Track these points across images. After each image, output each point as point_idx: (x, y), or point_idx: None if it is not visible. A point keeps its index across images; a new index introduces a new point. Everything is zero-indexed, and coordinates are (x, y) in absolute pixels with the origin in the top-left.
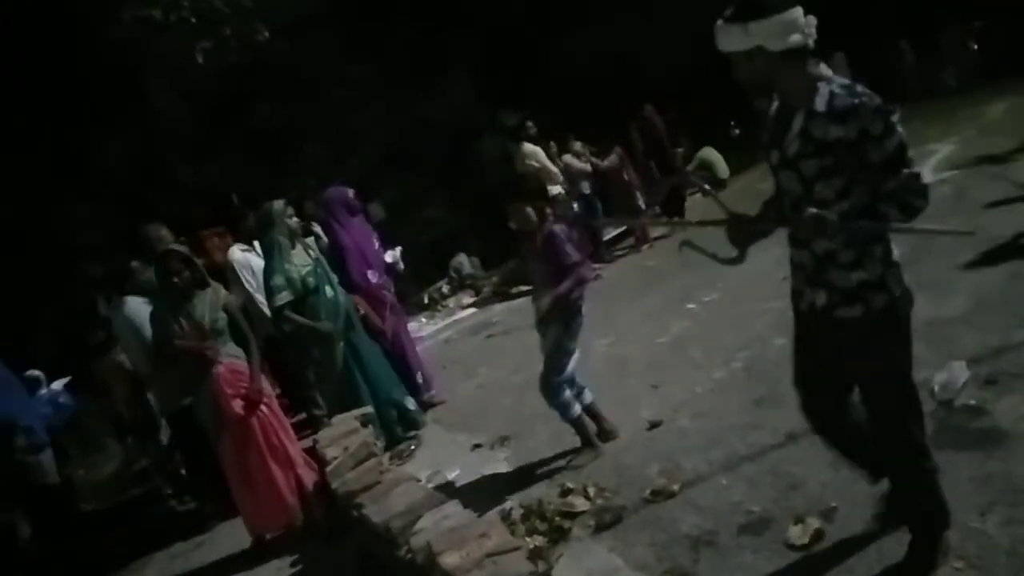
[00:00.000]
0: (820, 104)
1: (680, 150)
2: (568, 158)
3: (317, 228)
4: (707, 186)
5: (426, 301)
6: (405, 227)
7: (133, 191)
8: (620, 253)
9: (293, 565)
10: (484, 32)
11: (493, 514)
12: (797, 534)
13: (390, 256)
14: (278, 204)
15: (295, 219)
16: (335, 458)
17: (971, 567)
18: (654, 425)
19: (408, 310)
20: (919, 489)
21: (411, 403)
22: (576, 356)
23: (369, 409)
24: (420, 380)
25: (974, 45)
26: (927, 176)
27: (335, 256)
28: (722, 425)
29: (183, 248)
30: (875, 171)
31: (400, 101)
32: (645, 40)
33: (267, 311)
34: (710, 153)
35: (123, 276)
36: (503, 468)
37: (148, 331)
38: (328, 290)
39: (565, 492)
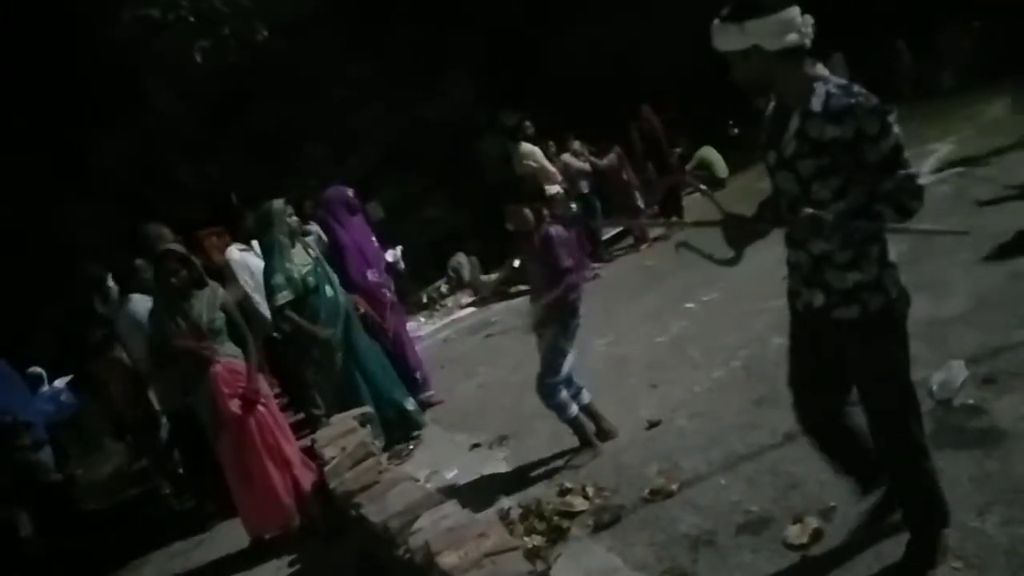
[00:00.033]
0: (816, 104)
1: (678, 150)
2: (567, 157)
3: (316, 228)
4: (703, 186)
5: (425, 301)
6: (405, 227)
7: (133, 191)
8: (619, 252)
9: (292, 564)
10: (484, 32)
11: (491, 514)
12: (796, 533)
13: (391, 255)
14: (278, 203)
15: (294, 218)
16: (333, 458)
17: (970, 566)
18: (653, 425)
19: (407, 309)
20: (918, 488)
21: (411, 403)
22: (571, 356)
23: (368, 409)
24: (419, 378)
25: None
26: (926, 176)
27: (334, 255)
28: (721, 425)
29: (180, 248)
30: (871, 171)
31: (400, 101)
32: (645, 40)
33: (264, 311)
34: (709, 152)
35: (127, 274)
36: (502, 468)
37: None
38: (328, 289)
39: (564, 492)
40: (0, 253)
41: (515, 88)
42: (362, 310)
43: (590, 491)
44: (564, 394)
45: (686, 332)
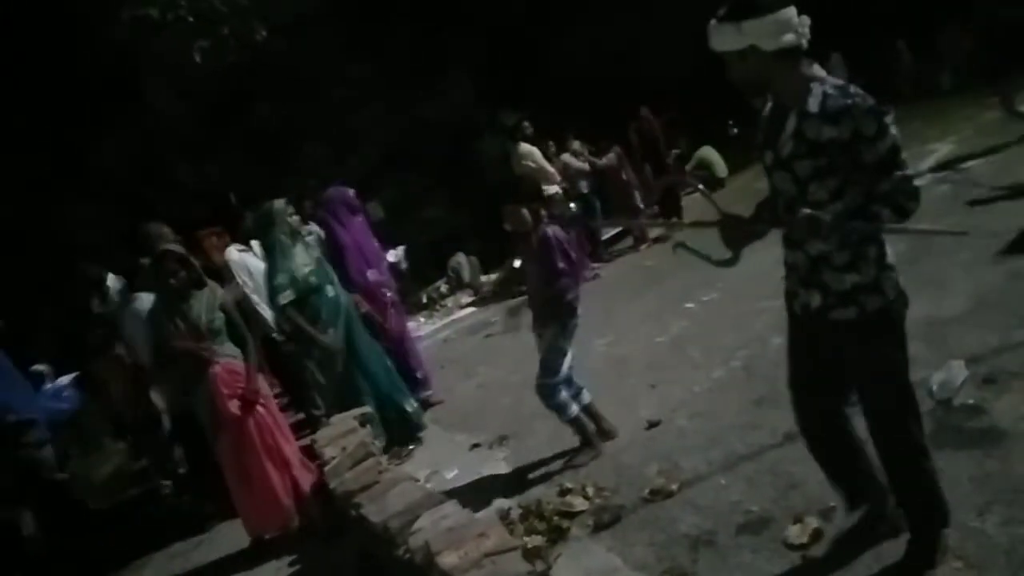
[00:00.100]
0: (813, 105)
1: (676, 151)
2: (566, 157)
3: (315, 227)
4: (701, 186)
5: (424, 301)
6: (405, 227)
7: (133, 191)
8: (619, 253)
9: (292, 565)
10: (484, 32)
11: (492, 514)
12: (796, 533)
13: (393, 255)
14: (279, 203)
15: (295, 218)
16: (333, 458)
17: (970, 566)
18: (653, 425)
19: (407, 310)
20: (918, 488)
21: (412, 404)
22: (571, 356)
23: (368, 409)
24: (420, 377)
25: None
26: (925, 176)
27: (334, 255)
28: (721, 425)
29: (179, 248)
30: (868, 172)
31: (400, 101)
32: (645, 40)
33: (263, 311)
34: (709, 152)
35: (133, 273)
36: (502, 468)
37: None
38: (329, 289)
39: (564, 492)
40: (0, 253)
41: (515, 88)
42: (363, 310)
43: (590, 491)
44: (564, 394)
45: (686, 332)
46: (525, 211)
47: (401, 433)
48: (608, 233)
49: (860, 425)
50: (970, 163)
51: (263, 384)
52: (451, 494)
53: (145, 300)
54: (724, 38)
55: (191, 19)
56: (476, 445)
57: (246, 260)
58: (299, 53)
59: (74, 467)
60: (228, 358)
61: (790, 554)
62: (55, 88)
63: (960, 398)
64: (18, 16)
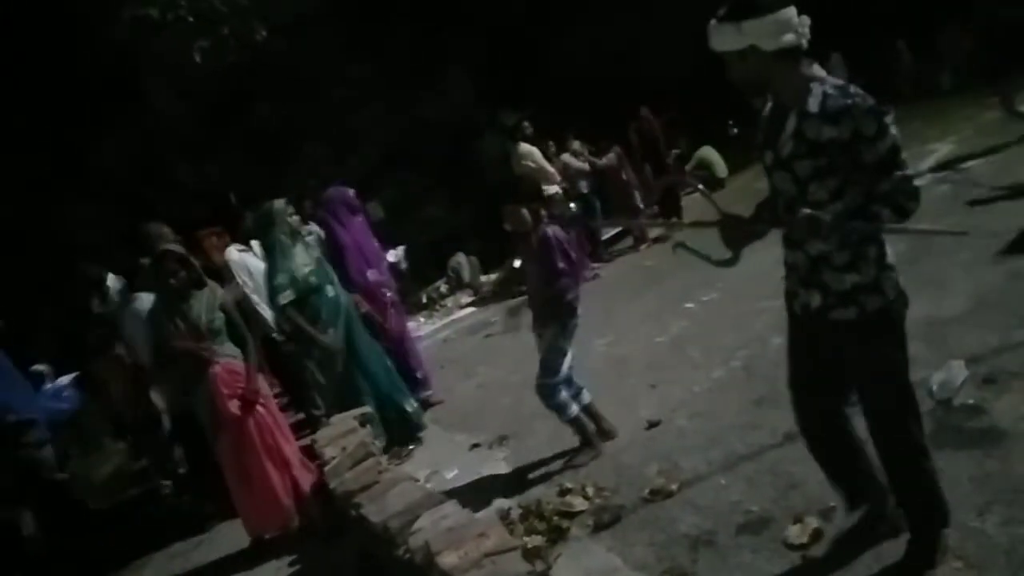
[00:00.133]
0: (813, 105)
1: (676, 151)
2: (566, 157)
3: (315, 227)
4: (701, 186)
5: (424, 301)
6: (404, 227)
7: (133, 191)
8: (619, 252)
9: (292, 565)
10: (484, 32)
11: (491, 514)
12: (796, 533)
13: (393, 255)
14: (279, 203)
15: (295, 217)
16: (333, 458)
17: (970, 566)
18: (653, 425)
19: (407, 310)
20: (918, 488)
21: (412, 405)
22: (571, 356)
23: (368, 409)
24: (420, 377)
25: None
26: (925, 176)
27: (334, 255)
28: (721, 425)
29: (179, 248)
30: (868, 172)
31: (400, 101)
32: (645, 40)
33: (262, 311)
34: (709, 152)
35: (134, 273)
36: (502, 468)
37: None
38: (330, 289)
39: (564, 492)
40: (0, 253)
41: (515, 88)
42: (363, 310)
43: (590, 491)
44: (564, 394)
45: (686, 332)
46: (525, 211)
47: (401, 433)
48: (608, 233)
49: (860, 425)
50: (970, 163)
51: (263, 384)
52: (451, 494)
53: (145, 300)
54: (724, 38)
55: (191, 19)
56: (476, 445)
57: (246, 260)
58: (299, 53)
59: (74, 467)
60: (228, 358)
61: (790, 554)
62: (55, 88)
63: (960, 398)
64: (18, 16)
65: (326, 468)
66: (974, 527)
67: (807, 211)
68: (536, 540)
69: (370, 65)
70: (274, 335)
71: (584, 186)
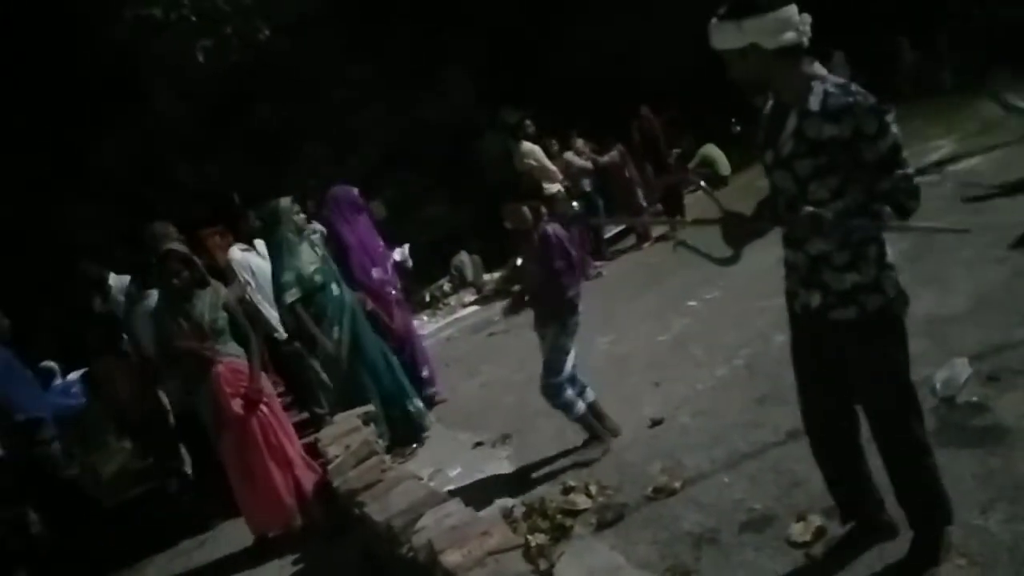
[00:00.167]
0: (814, 103)
1: (677, 150)
2: (569, 155)
3: (318, 226)
4: (703, 183)
5: (427, 299)
6: (405, 227)
7: (133, 191)
8: (621, 251)
9: (295, 563)
10: (484, 32)
11: (495, 512)
12: (799, 531)
13: (399, 254)
14: (285, 201)
15: (301, 216)
16: (337, 456)
17: (973, 564)
18: (656, 423)
19: (411, 308)
20: (920, 487)
21: (417, 404)
22: (574, 355)
23: (371, 407)
24: (425, 375)
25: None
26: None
27: (339, 254)
28: (724, 423)
29: (183, 248)
30: (869, 171)
31: (400, 101)
32: (645, 40)
33: (265, 311)
34: (711, 150)
35: (144, 270)
36: (505, 466)
37: None
38: (335, 287)
39: (567, 490)
40: (0, 253)
41: (515, 89)
42: (369, 307)
43: (593, 489)
44: (570, 392)
45: (688, 330)
46: (525, 209)
47: (405, 432)
48: (611, 231)
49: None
50: (971, 161)
51: (266, 383)
52: (454, 493)
53: (155, 297)
54: (725, 36)
55: (194, 19)
56: (479, 443)
57: (249, 259)
58: (300, 53)
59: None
60: (231, 357)
61: (793, 552)
62: (55, 88)
63: (963, 396)
64: (18, 16)
65: (329, 467)
66: (977, 524)
67: (809, 209)
68: (539, 538)
69: (370, 65)
70: (276, 334)
71: (587, 184)
